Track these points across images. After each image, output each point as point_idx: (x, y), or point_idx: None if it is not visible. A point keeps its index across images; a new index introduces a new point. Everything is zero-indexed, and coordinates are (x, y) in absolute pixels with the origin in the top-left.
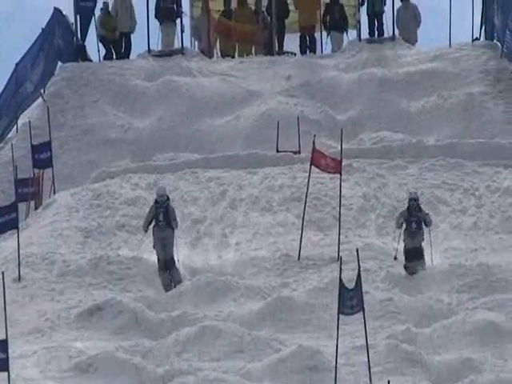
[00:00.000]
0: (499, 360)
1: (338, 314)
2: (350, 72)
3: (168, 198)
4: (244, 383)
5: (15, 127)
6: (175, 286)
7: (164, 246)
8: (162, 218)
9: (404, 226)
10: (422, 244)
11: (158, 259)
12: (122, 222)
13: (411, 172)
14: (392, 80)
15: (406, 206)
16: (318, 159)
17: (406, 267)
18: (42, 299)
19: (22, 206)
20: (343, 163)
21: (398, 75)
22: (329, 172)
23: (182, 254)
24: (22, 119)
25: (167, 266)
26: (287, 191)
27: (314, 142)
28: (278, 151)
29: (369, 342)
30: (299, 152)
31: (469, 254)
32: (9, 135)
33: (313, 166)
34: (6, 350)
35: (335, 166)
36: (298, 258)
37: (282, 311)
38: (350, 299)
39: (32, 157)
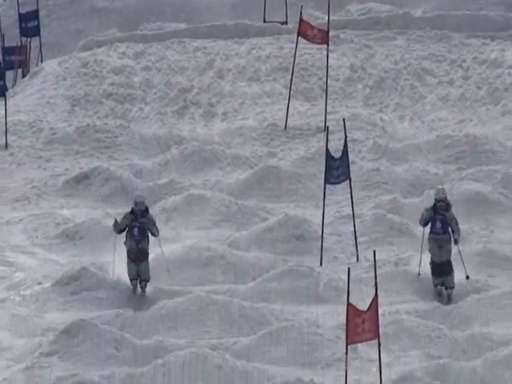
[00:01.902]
0: (485, 231)
1: (325, 183)
2: None
3: (147, 210)
4: (230, 252)
5: None
6: (140, 282)
7: (138, 263)
8: (136, 232)
9: (429, 226)
10: (452, 254)
11: (129, 250)
12: (109, 90)
13: (398, 43)
14: None
15: (432, 203)
16: (305, 30)
17: (435, 285)
18: (29, 167)
19: (9, 75)
20: (330, 34)
21: None
22: (316, 43)
23: (167, 127)
24: None
25: (137, 256)
26: (274, 61)
27: (301, 13)
28: (265, 21)
29: (355, 212)
30: (286, 22)
31: (456, 125)
32: None
33: (300, 37)
34: None
35: (322, 37)
36: (285, 128)
37: (268, 180)
38: (337, 169)
39: (19, 25)
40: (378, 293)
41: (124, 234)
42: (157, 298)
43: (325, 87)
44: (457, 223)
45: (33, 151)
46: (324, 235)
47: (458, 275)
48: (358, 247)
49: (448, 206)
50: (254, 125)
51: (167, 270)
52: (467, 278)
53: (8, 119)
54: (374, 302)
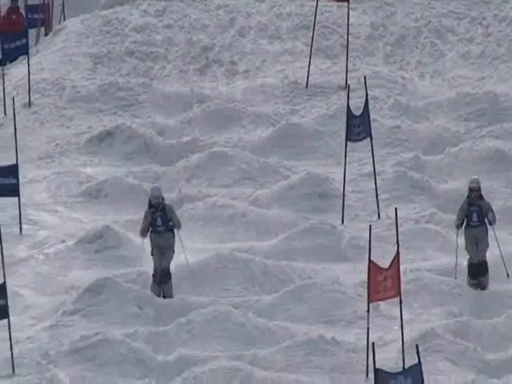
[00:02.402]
0: (506, 188)
1: (346, 140)
2: None
3: (163, 199)
4: (252, 210)
5: None
6: (164, 298)
7: (163, 254)
8: (160, 222)
9: (465, 221)
10: (487, 253)
11: (155, 270)
12: (131, 48)
13: (419, 1)
14: None
15: (466, 196)
16: None
17: (470, 285)
18: (51, 125)
19: (32, 33)
20: None
21: None
22: (336, 0)
23: (189, 85)
24: None
25: (162, 278)
26: (295, 19)
27: None
28: None
29: (376, 170)
30: None
31: (476, 83)
32: None
33: None
34: (16, 176)
35: None
36: (306, 86)
37: (290, 138)
38: (358, 126)
39: None
40: (400, 250)
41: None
42: (179, 256)
43: (346, 45)
44: (492, 210)
45: (56, 109)
46: (345, 193)
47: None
48: (380, 205)
49: (481, 195)
50: (276, 83)
51: (187, 260)
52: (508, 276)
53: (31, 77)
54: (396, 259)
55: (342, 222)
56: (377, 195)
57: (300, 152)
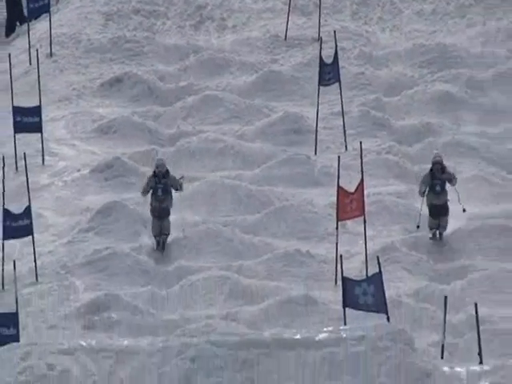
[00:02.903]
0: (454, 125)
1: (319, 85)
2: None
3: (168, 171)
4: (239, 143)
5: None
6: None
7: (161, 220)
8: (160, 192)
9: (427, 190)
10: (448, 202)
11: (154, 235)
12: (137, 7)
13: None
14: None
15: (429, 169)
16: None
17: (430, 228)
18: (69, 72)
19: None
20: None
21: None
22: None
23: (186, 38)
24: None
25: (162, 247)
26: None
27: None
28: None
29: (344, 109)
30: None
31: (429, 36)
32: None
33: None
34: (39, 115)
35: None
36: (285, 38)
37: (271, 83)
38: (329, 73)
39: None
40: (364, 177)
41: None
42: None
43: (318, 4)
44: (454, 176)
45: (73, 59)
46: (318, 129)
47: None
48: (347, 139)
49: (443, 167)
50: (259, 36)
51: (182, 231)
52: (464, 210)
53: (52, 32)
54: (360, 185)
55: (315, 153)
56: (344, 131)
57: (279, 94)
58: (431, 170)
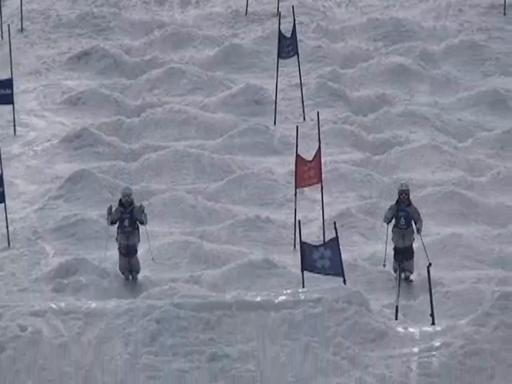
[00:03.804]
0: (407, 95)
1: (278, 57)
2: None
3: (133, 200)
4: (202, 114)
5: None
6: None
7: (128, 257)
8: (127, 223)
9: (393, 222)
10: (413, 244)
11: (121, 271)
12: None
13: None
14: None
15: (396, 199)
16: None
17: (395, 270)
18: (39, 46)
19: None
20: None
21: None
22: None
23: (150, 13)
24: None
25: (134, 280)
26: None
27: None
28: None
29: (302, 81)
30: None
31: (383, 10)
32: None
33: None
34: (11, 87)
35: None
36: (246, 14)
37: (232, 56)
38: (288, 46)
39: None
40: (321, 146)
41: (116, 227)
42: (143, 151)
43: None
44: (419, 215)
45: (43, 34)
46: (277, 100)
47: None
48: (305, 109)
49: (409, 199)
50: (221, 11)
51: (152, 259)
52: (430, 265)
53: (23, 8)
54: (318, 153)
55: (274, 123)
56: (302, 102)
57: (240, 67)
58: (397, 200)
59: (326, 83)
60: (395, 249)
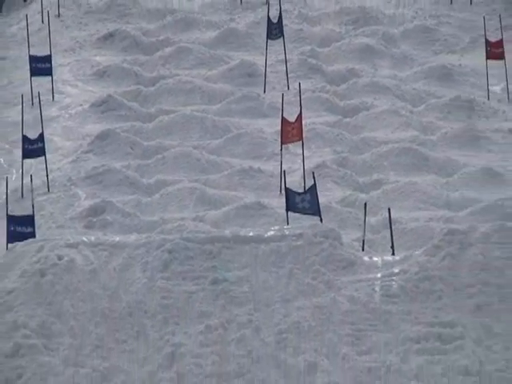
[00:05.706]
0: (372, 69)
1: (267, 38)
2: None
3: None
4: (205, 84)
5: None
6: None
7: None
8: None
9: None
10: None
11: None
12: None
13: None
14: None
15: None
16: None
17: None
18: (73, 29)
19: None
20: None
21: None
22: None
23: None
24: None
25: None
26: None
27: None
28: None
29: (287, 57)
30: None
31: (353, 0)
32: None
33: None
34: (50, 62)
35: None
36: (241, 2)
37: (230, 37)
38: (275, 29)
39: None
40: (302, 110)
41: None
42: (157, 114)
43: None
44: None
45: (76, 19)
46: (266, 73)
47: None
48: (289, 80)
49: None
50: (221, 0)
51: None
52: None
53: None
54: (299, 116)
55: (264, 92)
56: (287, 74)
57: (237, 46)
58: None
59: (306, 59)
60: None
